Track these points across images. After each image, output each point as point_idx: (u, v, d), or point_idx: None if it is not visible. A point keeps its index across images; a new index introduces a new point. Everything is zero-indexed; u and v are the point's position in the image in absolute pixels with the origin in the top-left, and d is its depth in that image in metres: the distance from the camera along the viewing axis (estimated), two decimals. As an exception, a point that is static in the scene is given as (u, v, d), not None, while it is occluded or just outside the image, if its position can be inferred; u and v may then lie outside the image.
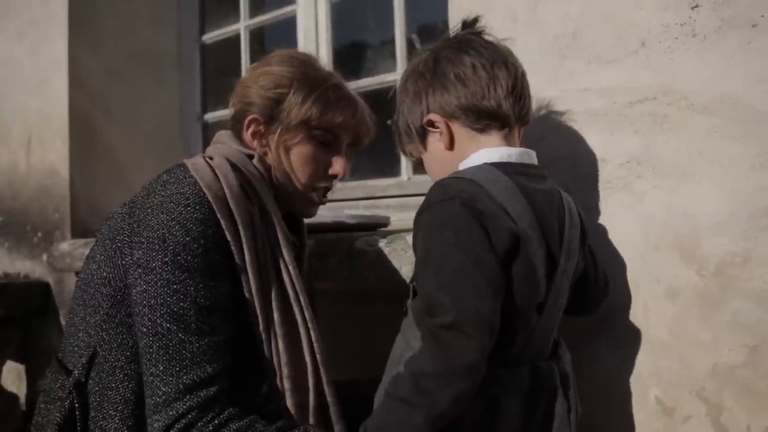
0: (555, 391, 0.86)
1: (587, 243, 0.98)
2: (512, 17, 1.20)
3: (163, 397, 0.84)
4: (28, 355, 2.26)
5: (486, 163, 0.88)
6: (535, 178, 0.90)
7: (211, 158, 1.00)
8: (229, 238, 0.91)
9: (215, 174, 0.95)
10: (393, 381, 0.80)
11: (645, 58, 1.04)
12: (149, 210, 0.91)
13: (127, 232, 0.93)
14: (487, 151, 0.89)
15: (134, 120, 2.31)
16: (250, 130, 1.04)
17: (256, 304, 0.93)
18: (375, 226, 1.49)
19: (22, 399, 2.24)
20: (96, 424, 0.91)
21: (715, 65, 0.97)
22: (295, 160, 1.04)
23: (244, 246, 0.92)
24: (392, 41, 1.92)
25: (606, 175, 1.09)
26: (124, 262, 0.92)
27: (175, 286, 0.87)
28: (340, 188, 1.95)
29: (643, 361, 1.04)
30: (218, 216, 0.90)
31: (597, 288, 1.02)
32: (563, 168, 1.14)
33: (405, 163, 1.88)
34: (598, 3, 1.10)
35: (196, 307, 0.87)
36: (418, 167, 1.89)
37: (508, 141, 0.91)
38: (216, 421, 0.84)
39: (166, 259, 0.87)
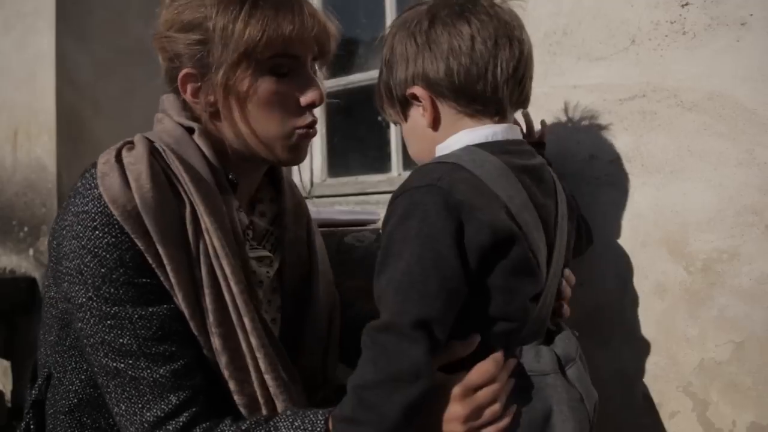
0: (546, 376, 0.77)
1: (577, 214, 0.94)
2: (503, 13, 1.20)
3: None
4: (14, 351, 2.24)
5: (469, 146, 0.79)
6: (525, 154, 0.81)
7: (132, 146, 0.83)
8: (149, 259, 0.77)
9: (125, 179, 0.78)
10: (340, 404, 0.72)
11: (635, 55, 1.04)
12: (64, 232, 0.79)
13: (53, 258, 0.82)
14: (467, 132, 0.80)
15: (123, 114, 2.29)
16: (188, 89, 0.85)
17: (193, 329, 0.79)
18: (365, 223, 1.49)
19: (8, 396, 2.22)
20: None
21: (704, 63, 0.97)
22: (255, 106, 0.84)
23: (167, 268, 0.77)
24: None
25: (595, 171, 1.09)
26: (59, 290, 0.81)
27: (108, 322, 0.76)
28: (330, 184, 1.95)
29: (630, 357, 1.05)
30: (132, 236, 0.76)
31: (580, 244, 0.99)
32: (552, 164, 1.14)
33: (395, 159, 1.87)
34: (588, 0, 1.10)
35: (139, 340, 0.77)
36: (409, 164, 1.89)
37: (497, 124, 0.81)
38: None
39: (90, 294, 0.76)
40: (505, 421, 0.73)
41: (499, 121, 0.81)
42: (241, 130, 0.85)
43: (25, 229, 2.26)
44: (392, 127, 1.87)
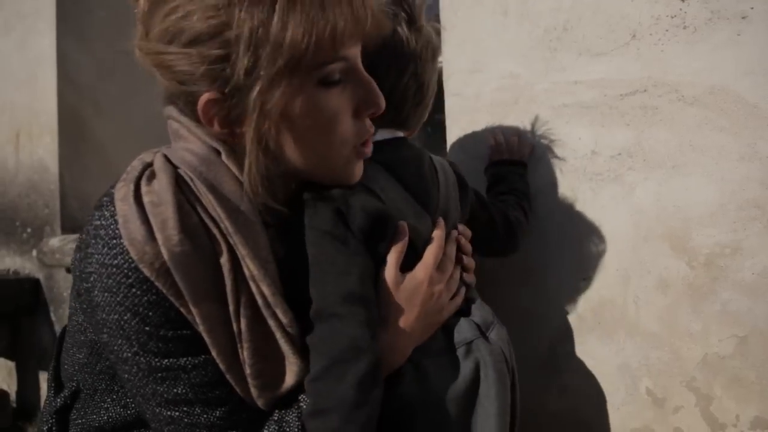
0: (470, 343, 0.82)
1: (470, 192, 0.97)
2: (503, 10, 1.20)
3: None
4: (19, 351, 2.25)
5: None
6: (399, 148, 0.86)
7: (152, 175, 0.70)
8: (185, 315, 0.68)
9: (148, 227, 0.65)
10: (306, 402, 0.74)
11: (635, 50, 1.04)
12: (92, 278, 0.68)
13: (85, 300, 0.71)
14: None
15: (124, 115, 2.30)
16: (215, 121, 0.67)
17: (230, 380, 0.71)
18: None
19: (13, 396, 2.23)
20: None
21: (705, 57, 0.97)
22: (303, 132, 0.67)
23: (200, 326, 0.68)
24: (384, 35, 1.90)
25: (597, 167, 1.09)
26: (93, 335, 0.75)
27: (159, 375, 0.69)
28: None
29: (633, 352, 1.05)
30: (167, 296, 0.66)
31: (495, 229, 1.03)
32: (554, 160, 1.14)
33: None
34: (588, -5, 1.10)
35: (195, 389, 0.70)
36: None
37: None
38: None
39: (135, 349, 0.68)
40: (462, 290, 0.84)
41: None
42: (289, 159, 0.69)
43: (29, 230, 2.26)
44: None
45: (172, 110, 0.74)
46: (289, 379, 0.72)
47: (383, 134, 0.85)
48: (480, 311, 0.88)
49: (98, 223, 0.69)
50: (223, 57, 0.62)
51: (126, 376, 0.71)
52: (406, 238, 0.78)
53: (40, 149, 2.20)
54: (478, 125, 1.21)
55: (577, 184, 1.11)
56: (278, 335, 0.70)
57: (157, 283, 0.65)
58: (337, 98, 0.67)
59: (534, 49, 1.16)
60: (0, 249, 2.39)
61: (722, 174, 0.96)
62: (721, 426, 0.96)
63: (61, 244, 2.01)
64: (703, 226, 0.97)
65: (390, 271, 0.77)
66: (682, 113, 0.99)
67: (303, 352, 0.71)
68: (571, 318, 1.12)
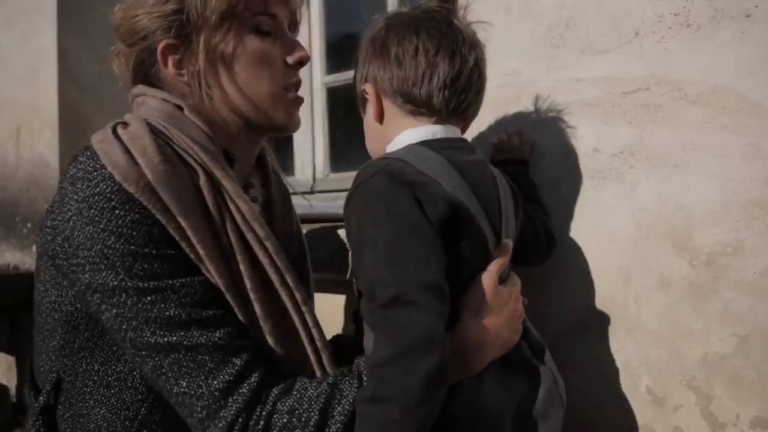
0: (529, 360, 0.84)
1: (521, 206, 0.99)
2: (506, 7, 1.19)
3: (204, 412, 0.71)
4: (18, 346, 2.25)
5: (411, 144, 0.85)
6: (464, 150, 0.87)
7: (126, 123, 0.79)
8: (172, 233, 0.73)
9: (130, 154, 0.73)
10: (363, 386, 0.73)
11: (638, 48, 1.04)
12: (71, 223, 0.72)
13: (62, 255, 0.75)
14: (409, 131, 0.86)
15: (125, 110, 2.27)
16: (170, 61, 0.82)
17: (230, 299, 0.76)
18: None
19: (12, 391, 2.23)
20: None
21: (708, 55, 0.97)
22: (243, 67, 0.82)
23: (192, 238, 0.74)
24: (385, 32, 1.90)
25: (598, 165, 1.08)
26: (74, 288, 0.75)
27: (148, 298, 0.71)
28: (333, 179, 1.94)
29: (633, 350, 1.05)
30: (152, 210, 0.72)
31: (538, 241, 1.06)
32: (556, 158, 1.14)
33: (398, 155, 1.87)
34: (592, -8, 1.09)
35: (187, 308, 0.72)
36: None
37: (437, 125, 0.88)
38: (264, 411, 0.72)
39: (121, 276, 0.71)
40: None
41: (436, 122, 0.87)
42: (231, 96, 0.83)
43: (29, 225, 2.26)
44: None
45: (138, 87, 0.86)
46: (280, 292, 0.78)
47: (448, 131, 0.87)
48: (534, 334, 0.90)
49: (74, 171, 0.75)
50: (177, 11, 0.80)
51: (114, 311, 0.72)
52: (509, 255, 0.82)
53: (41, 144, 2.20)
54: (481, 122, 1.21)
55: (578, 181, 1.10)
56: (256, 248, 0.78)
57: (142, 199, 0.71)
58: (269, 46, 0.84)
59: (536, 46, 1.16)
60: (0, 244, 2.39)
61: (724, 173, 0.95)
62: (721, 425, 0.96)
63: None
64: (705, 225, 0.97)
65: (490, 276, 0.80)
66: (684, 111, 0.99)
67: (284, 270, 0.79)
68: (572, 316, 1.12)
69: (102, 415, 0.78)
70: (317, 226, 1.40)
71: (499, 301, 0.80)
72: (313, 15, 2.02)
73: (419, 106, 0.86)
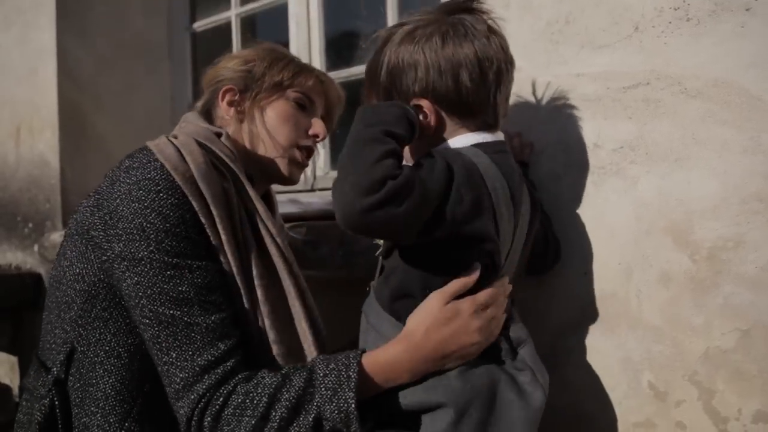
0: (499, 354, 0.88)
1: (539, 210, 1.02)
2: (505, 2, 1.19)
3: (182, 383, 0.84)
4: (21, 346, 2.25)
5: (467, 146, 0.89)
6: (505, 154, 0.92)
7: (175, 137, 0.97)
8: (202, 219, 0.89)
9: (180, 153, 0.92)
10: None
11: (638, 42, 1.03)
12: (118, 200, 0.87)
13: (100, 227, 0.89)
14: (465, 135, 0.90)
15: (125, 109, 2.29)
16: (226, 99, 1.06)
17: (239, 283, 0.91)
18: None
19: (15, 391, 2.23)
20: (79, 421, 0.89)
21: (708, 49, 0.97)
22: (273, 118, 1.04)
23: (218, 225, 0.90)
24: (385, 29, 1.90)
25: (599, 160, 1.08)
26: (103, 256, 0.89)
27: (168, 272, 0.85)
28: (331, 177, 1.94)
29: (635, 345, 1.05)
30: (189, 198, 0.88)
31: (548, 249, 1.08)
32: (556, 154, 1.14)
33: (398, 152, 1.87)
34: (591, -13, 1.09)
35: (196, 288, 0.86)
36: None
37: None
38: (225, 390, 0.83)
39: (151, 248, 0.85)
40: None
41: (489, 130, 0.91)
42: (257, 132, 1.04)
43: (30, 225, 2.27)
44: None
45: (187, 116, 1.08)
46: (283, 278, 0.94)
47: (494, 136, 0.91)
48: (516, 328, 0.92)
49: (129, 162, 0.91)
50: (247, 72, 1.07)
51: (136, 278, 0.85)
52: (474, 279, 0.84)
53: (41, 144, 2.19)
54: (480, 119, 1.20)
55: (579, 177, 1.10)
56: (268, 241, 0.95)
57: (184, 188, 0.88)
58: (298, 113, 1.07)
59: (536, 41, 1.15)
60: (1, 244, 2.39)
61: (725, 167, 0.95)
62: (723, 420, 0.96)
63: (62, 238, 2.01)
64: (706, 220, 0.97)
65: (442, 293, 0.84)
66: (685, 106, 0.99)
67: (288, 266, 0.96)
68: (573, 312, 1.12)
69: (111, 384, 0.89)
70: (318, 223, 1.40)
71: (445, 316, 0.84)
72: (312, 12, 2.02)
73: (484, 119, 0.90)
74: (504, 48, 0.90)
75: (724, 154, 0.95)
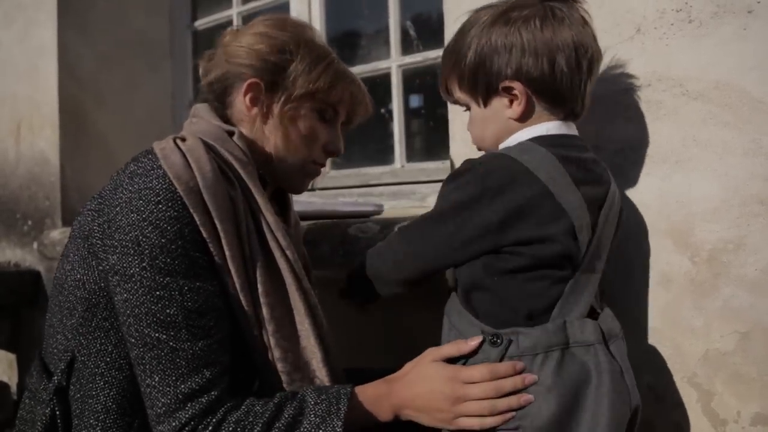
0: (591, 346, 0.81)
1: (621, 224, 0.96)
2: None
3: (164, 408, 0.81)
4: (19, 344, 2.25)
5: (523, 141, 0.87)
6: (574, 148, 0.87)
7: (183, 139, 0.90)
8: (204, 235, 0.83)
9: (186, 161, 0.86)
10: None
11: (640, 44, 1.03)
12: (118, 209, 0.83)
13: (98, 234, 0.85)
14: (528, 129, 0.88)
15: (126, 107, 2.29)
16: (249, 94, 0.96)
17: (242, 299, 0.86)
18: (369, 214, 1.49)
19: (14, 388, 2.23)
20: None
21: (710, 52, 0.97)
22: (299, 133, 0.98)
23: (223, 242, 0.85)
24: (386, 29, 1.90)
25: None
26: (100, 266, 0.85)
27: (158, 293, 0.81)
28: (333, 176, 1.94)
29: (634, 347, 1.04)
30: (191, 211, 0.83)
31: None
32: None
33: (398, 151, 1.87)
34: (593, -12, 1.09)
35: (185, 312, 0.81)
36: (412, 155, 1.89)
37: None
38: (215, 420, 0.81)
39: (144, 264, 0.80)
40: (490, 420, 0.79)
41: (565, 119, 0.89)
42: (280, 143, 0.98)
43: (29, 222, 2.26)
44: (395, 118, 1.86)
45: (198, 108, 1.00)
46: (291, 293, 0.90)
47: (559, 127, 0.88)
48: (608, 320, 0.88)
49: (134, 167, 0.86)
50: (280, 67, 0.96)
51: (125, 296, 0.82)
52: (470, 348, 0.82)
53: (41, 141, 2.19)
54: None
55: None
56: (277, 255, 0.90)
57: (186, 199, 0.82)
58: (320, 129, 1.01)
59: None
60: (0, 241, 2.39)
61: (726, 169, 0.95)
62: (722, 422, 0.96)
63: (61, 236, 2.00)
64: (706, 222, 0.97)
65: (437, 350, 0.85)
66: (686, 108, 0.99)
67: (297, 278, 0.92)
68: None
69: (112, 397, 0.86)
70: (318, 222, 1.40)
71: (428, 374, 0.84)
72: (314, 11, 2.01)
73: (567, 105, 0.88)
74: (596, 38, 0.89)
75: (725, 156, 0.95)
